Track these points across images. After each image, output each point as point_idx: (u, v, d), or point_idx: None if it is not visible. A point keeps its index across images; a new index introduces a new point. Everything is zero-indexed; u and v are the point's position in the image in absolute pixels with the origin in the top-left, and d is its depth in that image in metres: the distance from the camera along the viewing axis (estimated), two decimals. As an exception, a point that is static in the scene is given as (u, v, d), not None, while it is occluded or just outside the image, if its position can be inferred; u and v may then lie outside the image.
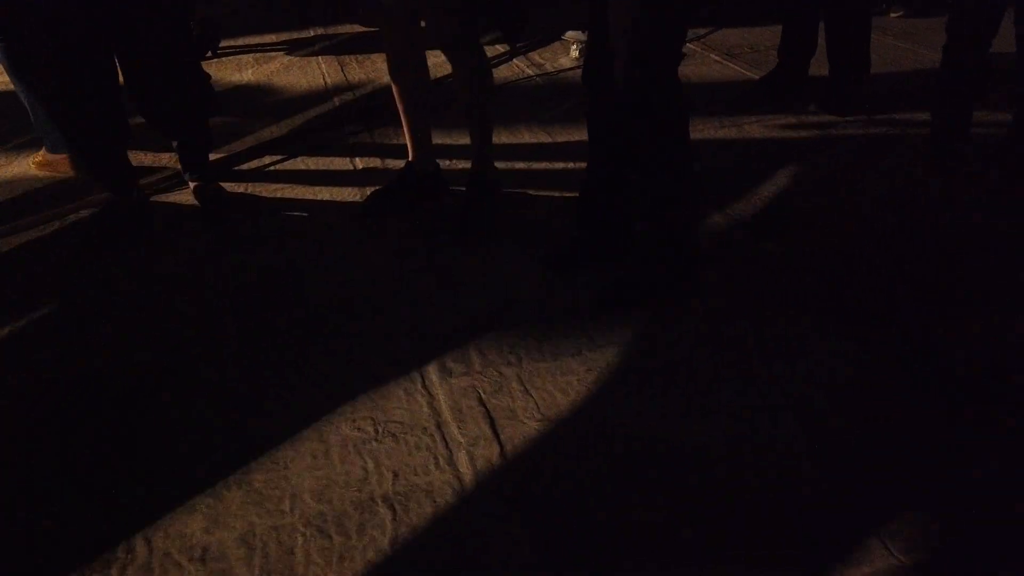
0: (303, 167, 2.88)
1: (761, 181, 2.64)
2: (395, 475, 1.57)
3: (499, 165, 2.57)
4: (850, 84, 3.12)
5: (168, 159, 2.91)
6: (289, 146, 3.03)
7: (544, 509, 1.49)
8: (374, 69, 3.82)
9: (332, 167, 2.88)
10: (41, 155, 2.89)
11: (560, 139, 3.00)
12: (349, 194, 2.67)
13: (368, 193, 2.57)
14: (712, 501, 1.50)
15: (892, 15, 4.29)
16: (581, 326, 1.98)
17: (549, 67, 3.75)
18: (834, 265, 2.19)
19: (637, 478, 1.55)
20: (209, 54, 4.00)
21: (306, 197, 2.68)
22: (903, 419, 1.67)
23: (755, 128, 3.04)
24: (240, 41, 4.19)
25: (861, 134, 2.96)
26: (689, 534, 1.43)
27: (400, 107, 2.48)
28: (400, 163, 2.60)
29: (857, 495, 1.50)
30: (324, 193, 2.70)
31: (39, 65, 2.35)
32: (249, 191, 2.72)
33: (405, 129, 2.52)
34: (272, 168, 2.89)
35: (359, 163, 2.89)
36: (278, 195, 2.69)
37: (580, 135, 3.00)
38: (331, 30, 4.45)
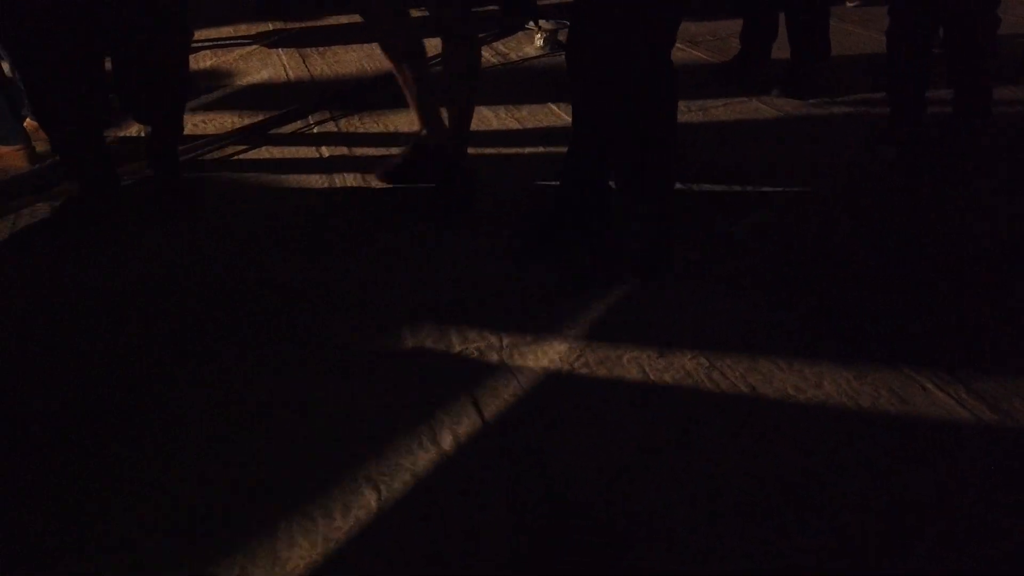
0: (268, 156, 2.82)
1: (728, 162, 2.66)
2: (378, 456, 1.54)
3: (470, 151, 2.55)
4: (811, 69, 3.17)
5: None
6: (252, 136, 2.97)
7: (534, 488, 1.47)
8: (336, 61, 3.77)
9: (298, 155, 2.82)
10: (-10, 148, 2.77)
11: (530, 125, 2.99)
12: (317, 181, 2.62)
13: (336, 180, 2.53)
14: (700, 488, 1.50)
15: (849, 4, 4.38)
16: (561, 303, 1.97)
17: (514, 56, 3.73)
18: (800, 244, 2.22)
19: (628, 456, 1.54)
20: None
21: (273, 185, 2.62)
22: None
23: (721, 111, 3.06)
24: (202, 35, 4.08)
25: (823, 115, 3.00)
26: (684, 516, 1.43)
27: (403, 83, 2.46)
28: (367, 151, 2.57)
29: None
30: (291, 181, 2.64)
31: (29, 40, 2.21)
32: (214, 180, 2.65)
33: (412, 104, 2.50)
34: (236, 158, 2.82)
35: (325, 152, 2.84)
36: (244, 184, 2.63)
37: (550, 121, 3.02)
38: (290, 24, 4.37)
